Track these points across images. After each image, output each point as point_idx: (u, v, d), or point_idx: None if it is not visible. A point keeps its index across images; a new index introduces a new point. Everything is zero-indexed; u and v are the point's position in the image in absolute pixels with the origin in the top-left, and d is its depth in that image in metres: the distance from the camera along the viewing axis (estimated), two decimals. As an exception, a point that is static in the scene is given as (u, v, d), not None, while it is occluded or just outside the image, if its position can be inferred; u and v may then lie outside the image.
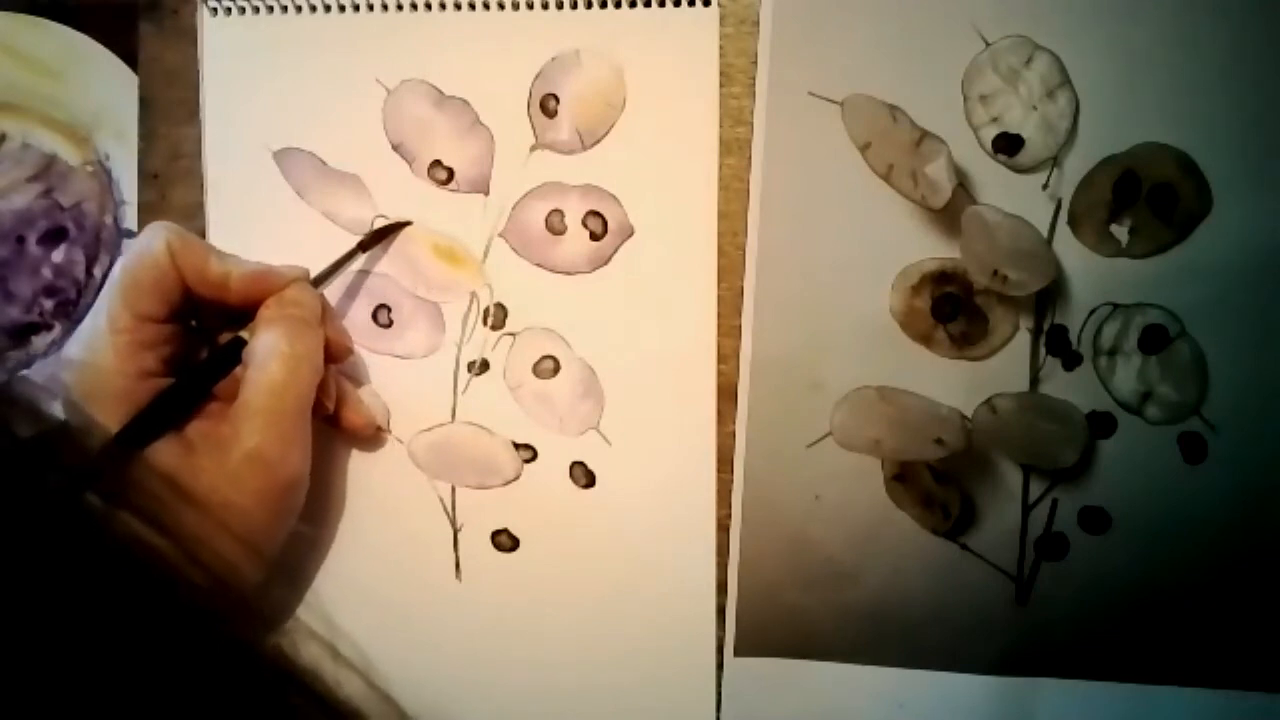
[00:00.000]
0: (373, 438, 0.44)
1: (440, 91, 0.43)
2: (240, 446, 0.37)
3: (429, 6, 0.43)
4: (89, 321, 0.39)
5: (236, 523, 0.37)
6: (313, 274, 0.42)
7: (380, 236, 0.43)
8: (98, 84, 0.48)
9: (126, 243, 0.48)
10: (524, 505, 0.44)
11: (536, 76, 0.42)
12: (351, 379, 0.44)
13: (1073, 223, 0.40)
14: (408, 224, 0.44)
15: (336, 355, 0.43)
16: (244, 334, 0.40)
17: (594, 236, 0.43)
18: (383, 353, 0.44)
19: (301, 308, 0.40)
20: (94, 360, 0.38)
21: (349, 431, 0.44)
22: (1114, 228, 0.40)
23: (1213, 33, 0.39)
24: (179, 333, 0.41)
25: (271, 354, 0.38)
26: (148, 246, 0.39)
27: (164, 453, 0.37)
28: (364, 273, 0.44)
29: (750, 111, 0.42)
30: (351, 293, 0.44)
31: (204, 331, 0.42)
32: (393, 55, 0.43)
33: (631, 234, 0.42)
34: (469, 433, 0.44)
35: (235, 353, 0.39)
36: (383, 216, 0.44)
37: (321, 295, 0.42)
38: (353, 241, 0.43)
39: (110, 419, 0.37)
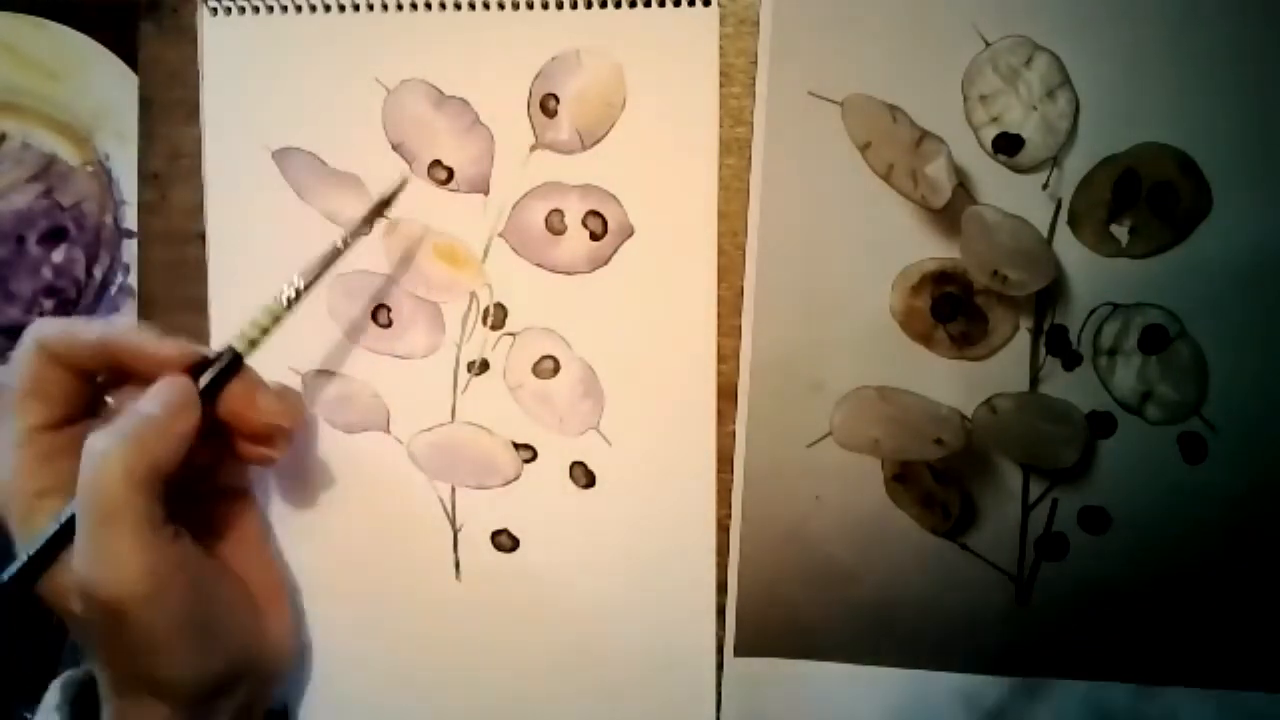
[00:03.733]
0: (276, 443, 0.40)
1: (440, 91, 0.43)
2: (74, 575, 0.34)
3: (429, 6, 0.43)
4: None
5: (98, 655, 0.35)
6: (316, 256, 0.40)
7: (381, 210, 0.41)
8: (98, 84, 0.48)
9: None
10: (524, 505, 0.44)
11: (536, 76, 0.42)
12: (344, 377, 0.44)
13: (1073, 223, 0.40)
14: (399, 191, 0.42)
15: (250, 453, 0.38)
16: None
17: (594, 236, 0.43)
18: (383, 353, 0.44)
19: (154, 403, 0.35)
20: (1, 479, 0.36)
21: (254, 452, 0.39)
22: (1114, 228, 0.40)
23: (1213, 33, 0.39)
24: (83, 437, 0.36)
25: (90, 460, 0.34)
26: (18, 352, 0.37)
27: (52, 583, 0.35)
28: (364, 273, 0.44)
29: (750, 111, 0.42)
30: (352, 293, 0.44)
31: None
32: (393, 55, 0.43)
33: (631, 234, 0.42)
34: (469, 433, 0.44)
35: None
36: (382, 217, 0.44)
37: (194, 386, 0.37)
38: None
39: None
